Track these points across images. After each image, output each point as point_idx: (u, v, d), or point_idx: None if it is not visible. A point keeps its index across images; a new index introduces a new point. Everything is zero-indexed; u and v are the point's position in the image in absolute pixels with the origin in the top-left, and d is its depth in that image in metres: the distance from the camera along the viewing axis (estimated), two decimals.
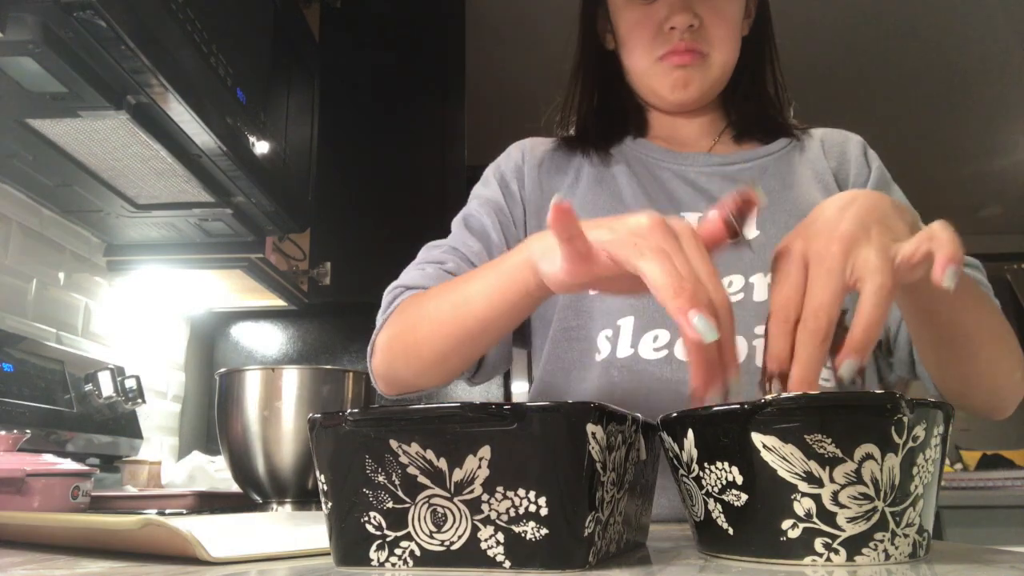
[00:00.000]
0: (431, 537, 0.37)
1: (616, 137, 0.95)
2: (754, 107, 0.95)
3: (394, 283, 0.85)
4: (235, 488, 1.08)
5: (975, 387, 0.73)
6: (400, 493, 0.37)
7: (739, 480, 0.38)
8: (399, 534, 0.38)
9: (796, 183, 0.89)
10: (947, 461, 1.93)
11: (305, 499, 1.00)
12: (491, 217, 0.89)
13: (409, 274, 0.85)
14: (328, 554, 0.41)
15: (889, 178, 0.92)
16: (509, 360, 0.90)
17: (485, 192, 0.92)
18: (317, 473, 0.40)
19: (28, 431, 0.83)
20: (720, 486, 0.39)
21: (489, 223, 0.89)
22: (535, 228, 0.90)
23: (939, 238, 0.47)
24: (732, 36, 0.89)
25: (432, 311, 0.72)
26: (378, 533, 0.38)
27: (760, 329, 0.81)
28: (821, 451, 0.37)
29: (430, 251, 0.88)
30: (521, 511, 0.36)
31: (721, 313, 0.47)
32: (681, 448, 0.42)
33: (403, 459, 0.37)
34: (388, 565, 0.38)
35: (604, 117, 0.96)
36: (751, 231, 0.84)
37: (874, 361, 0.86)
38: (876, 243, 0.48)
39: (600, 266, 0.51)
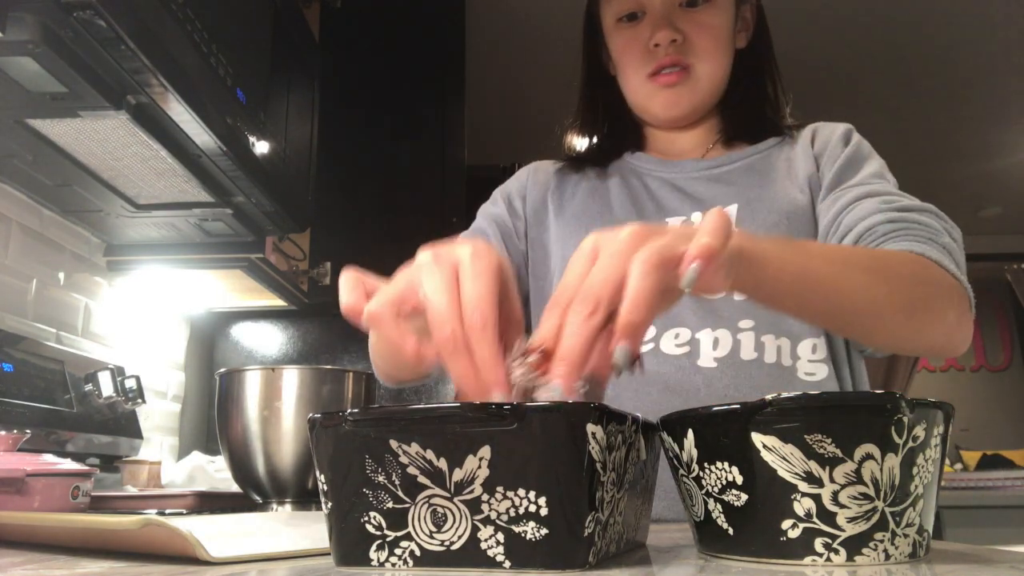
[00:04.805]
0: (431, 537, 0.37)
1: (616, 154, 1.02)
2: (745, 109, 0.98)
3: None
4: (235, 488, 1.07)
5: (905, 349, 0.71)
6: (400, 493, 0.37)
7: (739, 480, 0.38)
8: (399, 534, 0.38)
9: (775, 179, 0.92)
10: (947, 461, 1.93)
11: (305, 499, 1.00)
12: (492, 227, 0.98)
13: None
14: (328, 554, 0.41)
15: (866, 154, 0.90)
16: None
17: (492, 209, 1.02)
18: (317, 473, 0.40)
19: (28, 431, 0.83)
20: (720, 486, 0.39)
21: (491, 232, 0.98)
22: (535, 238, 0.99)
23: (700, 232, 0.43)
24: (719, 47, 0.92)
25: None
26: (378, 533, 0.38)
27: (744, 323, 0.83)
28: (821, 451, 0.37)
29: None
30: (521, 511, 0.36)
31: (473, 343, 0.43)
32: (681, 448, 0.42)
33: (403, 459, 0.37)
34: (388, 565, 0.38)
35: (608, 136, 1.03)
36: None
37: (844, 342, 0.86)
38: (661, 240, 0.44)
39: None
